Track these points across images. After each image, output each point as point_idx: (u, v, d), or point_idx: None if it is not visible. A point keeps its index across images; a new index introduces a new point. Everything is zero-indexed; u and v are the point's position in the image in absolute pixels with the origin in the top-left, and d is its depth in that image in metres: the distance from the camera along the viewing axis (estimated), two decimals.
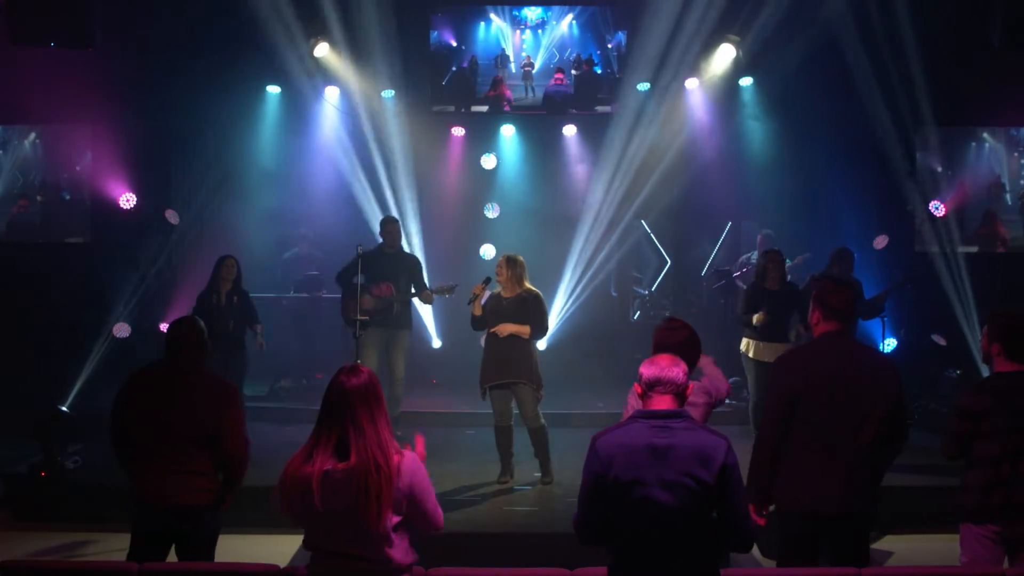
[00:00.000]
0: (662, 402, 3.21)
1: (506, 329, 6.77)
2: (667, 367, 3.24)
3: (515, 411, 6.97)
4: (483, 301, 6.94)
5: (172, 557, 4.37)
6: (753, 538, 3.21)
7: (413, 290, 7.98)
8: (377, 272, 7.80)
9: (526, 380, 6.76)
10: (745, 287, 8.41)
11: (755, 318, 7.58)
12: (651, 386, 3.23)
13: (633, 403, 4.17)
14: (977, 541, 4.09)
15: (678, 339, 4.08)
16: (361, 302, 7.54)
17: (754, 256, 10.37)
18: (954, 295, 9.50)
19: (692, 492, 3.06)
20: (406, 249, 8.78)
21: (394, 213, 10.24)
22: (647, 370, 3.26)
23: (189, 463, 4.24)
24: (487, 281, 6.94)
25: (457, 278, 8.29)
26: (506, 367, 6.80)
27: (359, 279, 7.47)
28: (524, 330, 6.78)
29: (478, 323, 6.98)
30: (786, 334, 7.76)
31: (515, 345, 6.81)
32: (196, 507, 4.26)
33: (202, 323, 4.57)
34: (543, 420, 6.88)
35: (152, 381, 4.38)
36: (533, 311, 6.82)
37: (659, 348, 4.13)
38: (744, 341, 7.85)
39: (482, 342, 7.10)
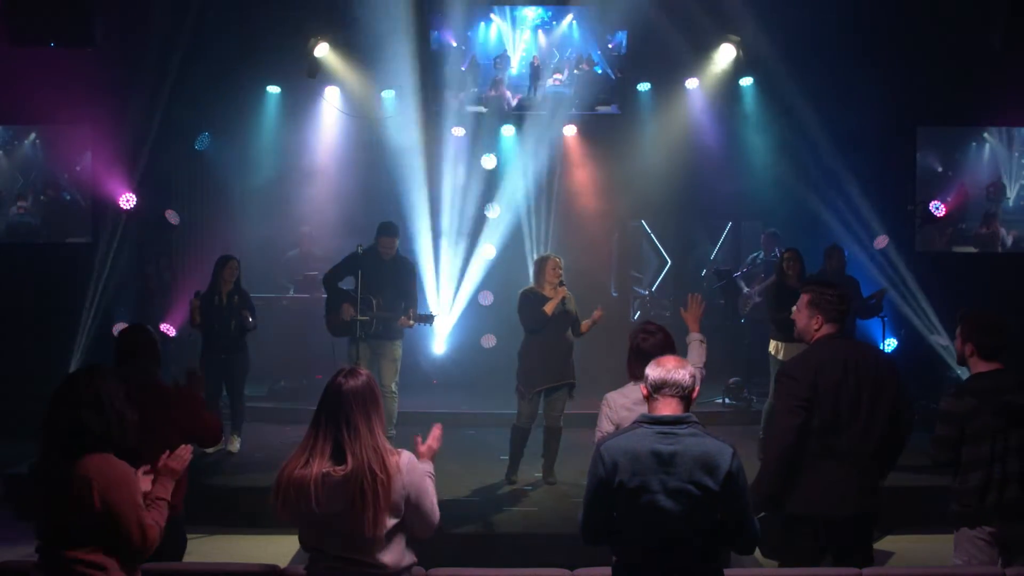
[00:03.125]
0: (668, 406, 3.13)
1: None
2: (674, 368, 3.15)
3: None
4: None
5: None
6: (758, 540, 3.18)
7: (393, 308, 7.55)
8: (363, 277, 7.34)
9: (575, 381, 6.92)
10: (766, 285, 8.14)
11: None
12: (657, 388, 3.15)
13: (606, 426, 4.14)
14: (971, 543, 4.08)
15: (655, 343, 4.09)
16: (344, 311, 7.43)
17: (760, 256, 10.34)
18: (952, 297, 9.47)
19: (697, 500, 3.01)
20: (402, 254, 8.51)
21: (394, 215, 10.21)
22: (653, 371, 3.17)
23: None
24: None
25: (456, 278, 8.21)
26: (563, 369, 6.87)
27: (356, 280, 7.28)
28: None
29: (543, 324, 6.81)
30: None
31: (569, 347, 6.92)
32: None
33: (151, 330, 4.54)
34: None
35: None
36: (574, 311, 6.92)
37: (636, 353, 4.14)
38: (773, 344, 7.63)
39: (522, 345, 7.02)
